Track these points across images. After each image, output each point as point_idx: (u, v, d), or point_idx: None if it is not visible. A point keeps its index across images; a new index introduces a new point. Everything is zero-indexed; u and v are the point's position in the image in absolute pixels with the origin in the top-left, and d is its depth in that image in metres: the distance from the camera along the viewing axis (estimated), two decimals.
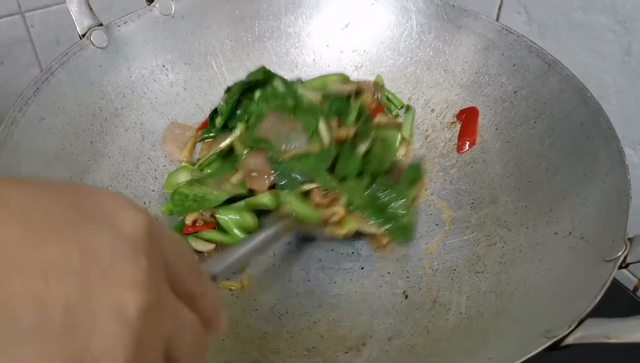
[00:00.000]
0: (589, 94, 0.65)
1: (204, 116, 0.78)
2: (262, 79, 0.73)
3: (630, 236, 0.51)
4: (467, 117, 0.76)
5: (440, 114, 0.79)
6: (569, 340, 0.45)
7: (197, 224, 0.67)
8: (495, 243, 0.64)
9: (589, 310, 0.47)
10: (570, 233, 0.58)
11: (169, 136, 0.76)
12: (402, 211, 0.66)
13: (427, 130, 0.79)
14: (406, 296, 0.63)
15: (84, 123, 0.69)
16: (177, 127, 0.77)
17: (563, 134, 0.66)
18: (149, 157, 0.74)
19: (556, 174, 0.64)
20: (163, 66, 0.78)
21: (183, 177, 0.71)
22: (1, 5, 0.89)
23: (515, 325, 0.53)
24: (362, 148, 0.69)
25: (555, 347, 0.45)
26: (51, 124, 0.65)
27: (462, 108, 0.77)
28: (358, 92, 0.75)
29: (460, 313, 0.59)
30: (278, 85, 0.73)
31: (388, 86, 0.81)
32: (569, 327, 0.46)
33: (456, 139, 0.76)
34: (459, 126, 0.76)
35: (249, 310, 0.62)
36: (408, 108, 0.80)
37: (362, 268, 0.66)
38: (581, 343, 0.45)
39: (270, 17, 0.83)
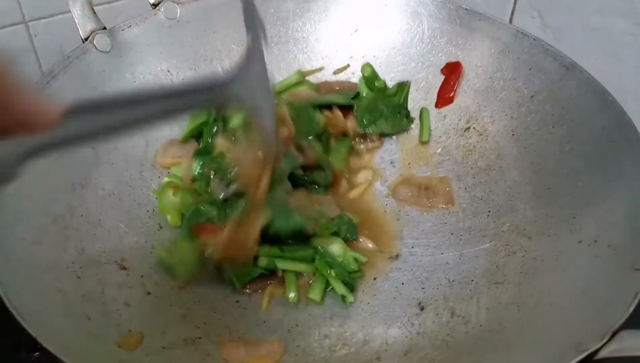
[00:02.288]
0: (610, 98, 0.62)
1: None
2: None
3: None
4: (450, 72, 0.75)
5: (454, 121, 0.76)
6: (603, 354, 0.42)
7: None
8: (514, 252, 0.61)
9: (621, 321, 0.44)
10: (595, 241, 0.55)
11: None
12: None
13: (440, 137, 0.76)
14: (422, 308, 0.60)
15: None
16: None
17: (583, 139, 0.63)
18: (153, 164, 0.72)
19: (577, 181, 0.62)
20: (168, 71, 0.76)
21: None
22: (4, 14, 0.87)
23: (541, 337, 0.50)
24: None
25: (588, 361, 0.43)
26: None
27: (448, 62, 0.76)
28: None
29: (481, 326, 0.56)
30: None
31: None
32: (602, 339, 0.43)
33: (471, 146, 0.73)
34: (473, 132, 0.74)
35: (257, 322, 0.59)
36: (422, 112, 0.77)
37: (375, 279, 0.63)
38: (616, 357, 0.42)
39: (277, 22, 0.81)
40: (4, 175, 0.30)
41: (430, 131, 0.76)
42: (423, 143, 0.76)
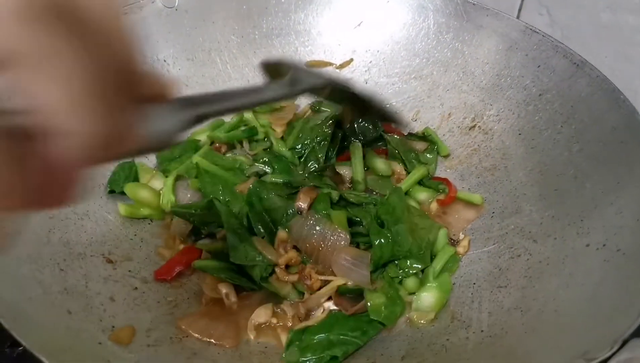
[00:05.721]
0: (621, 97, 0.60)
1: None
2: None
3: None
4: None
5: (458, 119, 0.74)
6: None
7: None
8: (519, 255, 0.59)
9: (632, 329, 0.42)
10: (604, 245, 0.52)
11: None
12: None
13: (444, 135, 0.74)
14: None
15: None
16: None
17: (593, 139, 0.61)
18: (147, 156, 0.69)
19: (586, 182, 0.59)
20: (164, 60, 0.74)
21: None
22: None
23: (546, 345, 0.47)
24: None
25: None
26: None
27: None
28: None
29: (482, 331, 0.53)
30: None
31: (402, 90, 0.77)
32: (611, 348, 0.40)
33: (476, 145, 0.71)
34: (477, 130, 0.71)
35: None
36: (428, 132, 0.73)
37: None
38: None
39: (279, 13, 0.79)
40: (165, 142, 0.32)
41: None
42: (445, 156, 0.72)
